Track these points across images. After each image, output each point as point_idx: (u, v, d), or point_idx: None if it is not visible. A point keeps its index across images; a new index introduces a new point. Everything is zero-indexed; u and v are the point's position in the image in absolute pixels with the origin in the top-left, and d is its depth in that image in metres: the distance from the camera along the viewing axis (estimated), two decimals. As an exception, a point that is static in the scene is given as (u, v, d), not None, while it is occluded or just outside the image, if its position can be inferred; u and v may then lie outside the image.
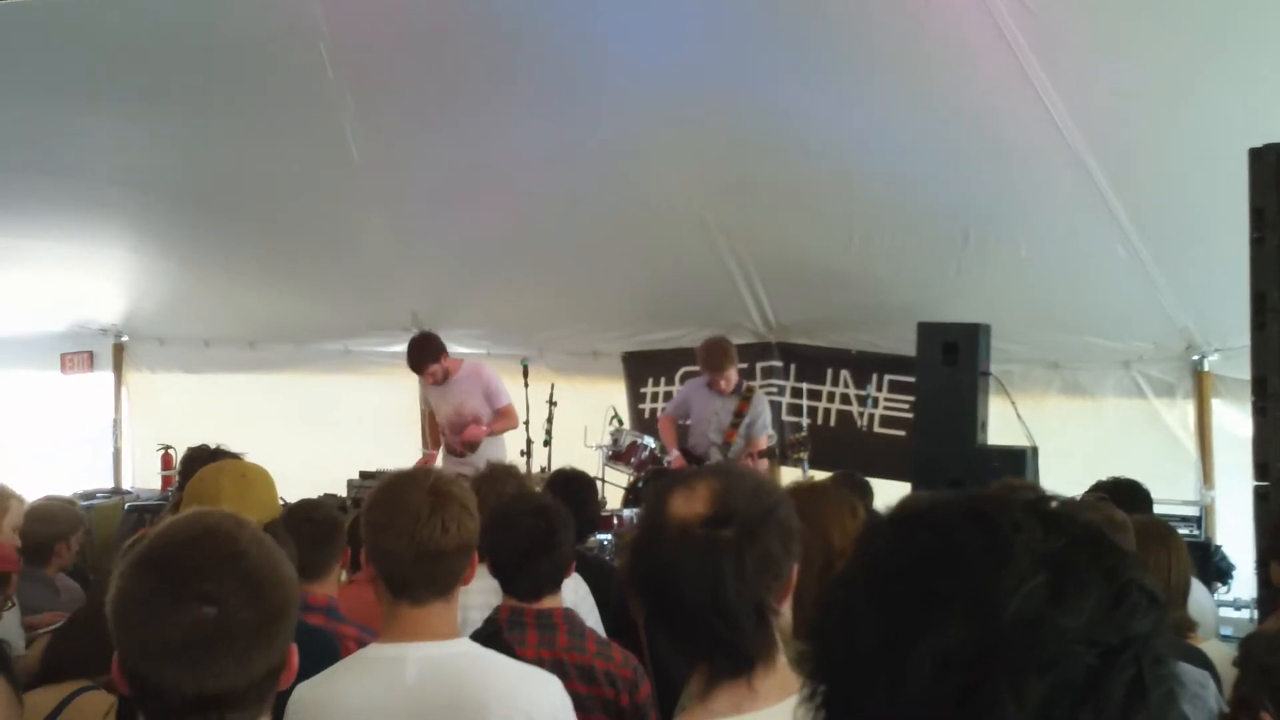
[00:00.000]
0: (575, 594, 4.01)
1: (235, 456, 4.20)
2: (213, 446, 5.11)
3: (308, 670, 2.56)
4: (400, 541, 2.49)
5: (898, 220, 7.54)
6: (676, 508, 1.89)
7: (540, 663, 3.02)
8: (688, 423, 8.16)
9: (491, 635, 3.07)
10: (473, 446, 7.87)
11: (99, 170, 8.35)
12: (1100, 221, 6.82)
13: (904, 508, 1.09)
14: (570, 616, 3.27)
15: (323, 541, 3.80)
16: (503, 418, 8.09)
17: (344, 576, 4.27)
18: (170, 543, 1.74)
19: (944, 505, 1.05)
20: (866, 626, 0.99)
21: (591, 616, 3.97)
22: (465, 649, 2.57)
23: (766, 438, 7.92)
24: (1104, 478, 5.12)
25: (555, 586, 3.30)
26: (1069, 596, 0.94)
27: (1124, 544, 1.02)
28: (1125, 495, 4.69)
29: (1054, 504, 1.04)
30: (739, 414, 7.83)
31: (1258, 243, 5.07)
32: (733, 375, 7.88)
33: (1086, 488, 5.01)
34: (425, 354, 8.00)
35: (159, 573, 1.69)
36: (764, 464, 7.64)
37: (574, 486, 5.20)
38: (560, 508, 3.42)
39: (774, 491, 2.01)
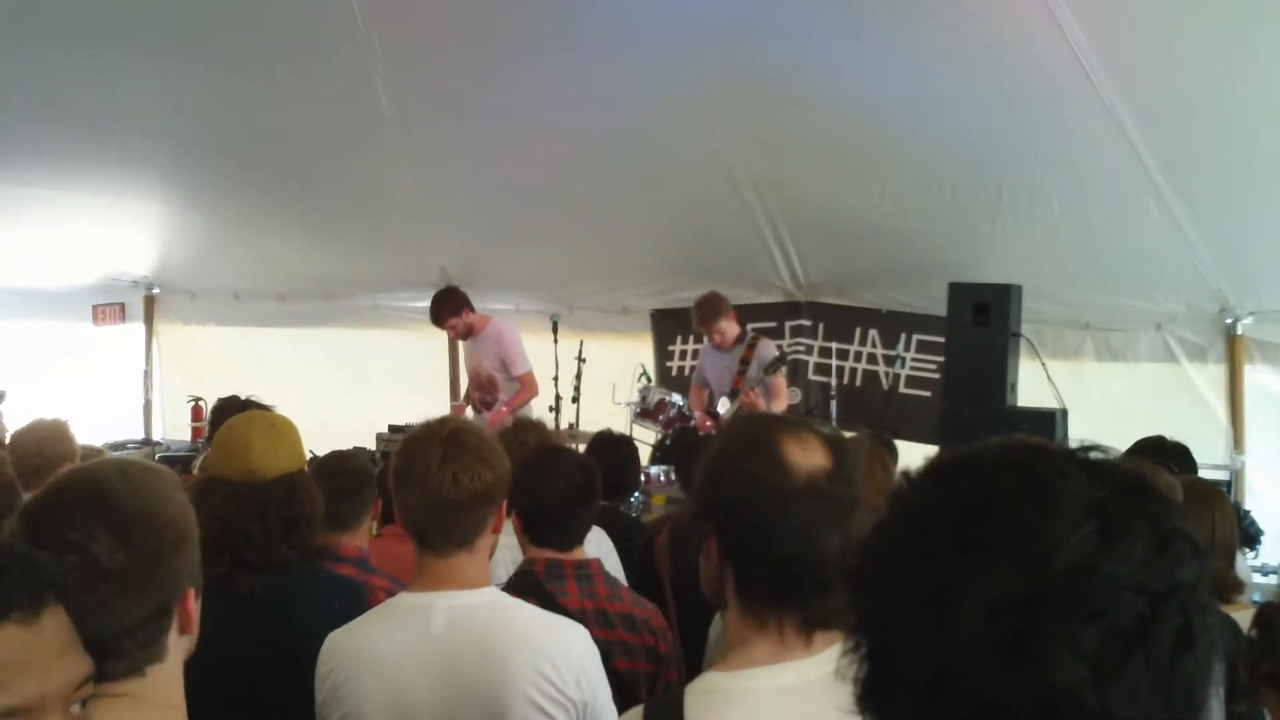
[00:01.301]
0: (599, 549, 4.02)
1: (266, 408, 4.21)
2: (243, 398, 5.13)
3: (338, 619, 2.60)
4: (413, 492, 2.52)
5: (930, 177, 7.46)
6: (796, 457, 1.85)
7: (584, 613, 3.05)
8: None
9: (531, 586, 3.08)
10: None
11: (131, 123, 8.37)
12: (1135, 181, 6.74)
13: (942, 458, 1.09)
14: (602, 567, 3.30)
15: (353, 492, 3.81)
16: (522, 389, 8.14)
17: (374, 529, 4.29)
18: (47, 492, 1.78)
19: (984, 455, 1.05)
20: (910, 578, 0.99)
21: (616, 572, 3.99)
22: (492, 598, 2.59)
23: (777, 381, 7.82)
24: (1141, 439, 5.04)
25: (584, 537, 3.32)
26: (1117, 544, 0.93)
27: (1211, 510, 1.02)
28: (1169, 456, 4.63)
29: (1095, 453, 1.03)
30: (744, 361, 7.81)
31: (1296, 204, 5.01)
32: (725, 327, 7.85)
33: (1118, 450, 4.96)
34: (444, 308, 8.21)
35: (30, 521, 1.73)
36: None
37: (616, 449, 5.32)
38: (592, 460, 3.44)
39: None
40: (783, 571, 1.84)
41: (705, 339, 8.14)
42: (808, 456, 1.85)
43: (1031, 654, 0.91)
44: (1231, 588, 3.70)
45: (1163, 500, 0.99)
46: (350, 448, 7.36)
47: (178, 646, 1.82)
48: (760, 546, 1.85)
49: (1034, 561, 0.93)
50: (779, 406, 7.45)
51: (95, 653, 1.65)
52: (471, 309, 8.23)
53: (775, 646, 1.84)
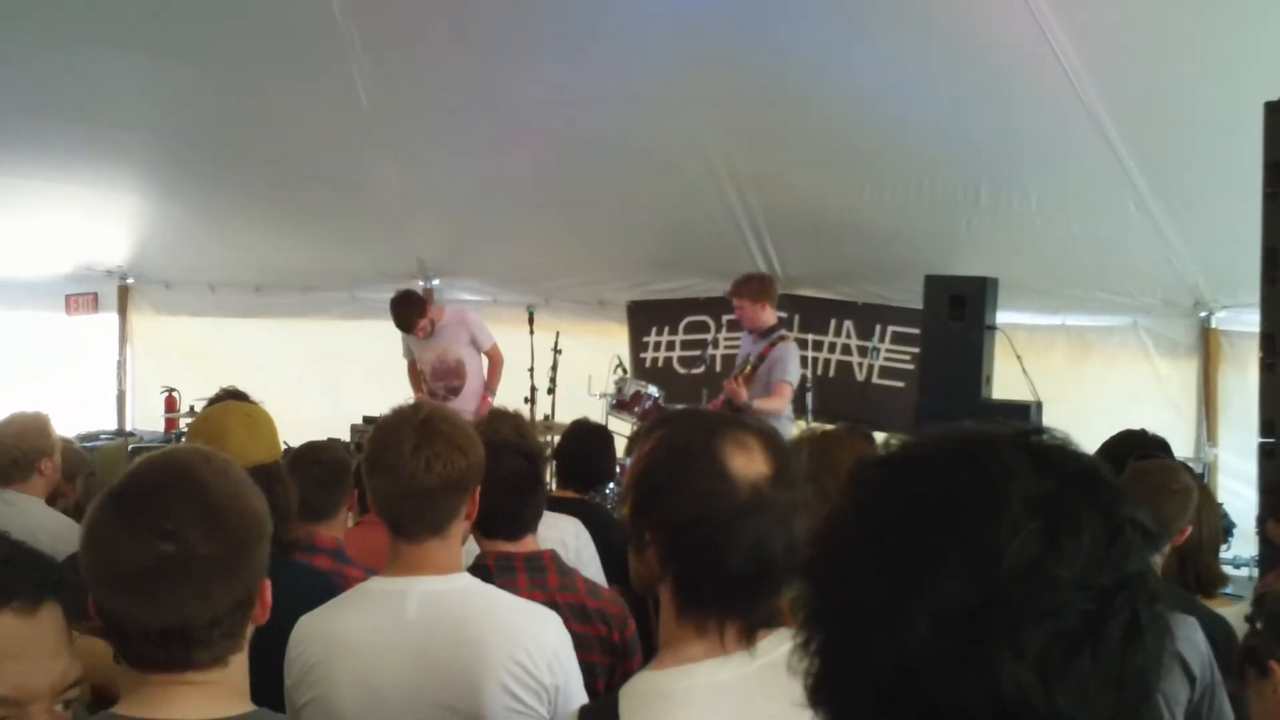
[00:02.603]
0: (577, 540, 4.01)
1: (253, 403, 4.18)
2: (231, 390, 5.09)
3: (308, 609, 2.58)
4: (386, 479, 2.50)
5: (909, 172, 7.49)
6: (740, 466, 1.81)
7: None
8: None
9: (482, 580, 3.06)
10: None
11: (107, 113, 8.30)
12: (1112, 176, 6.78)
13: (894, 450, 1.08)
14: (556, 558, 3.25)
15: (329, 483, 3.79)
16: (492, 364, 8.30)
17: (351, 519, 4.27)
18: (134, 477, 1.75)
19: (935, 449, 1.04)
20: (864, 579, 0.99)
21: (594, 564, 3.97)
22: (466, 584, 2.58)
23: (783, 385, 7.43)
24: (1121, 431, 5.00)
25: (535, 526, 3.26)
26: (1063, 540, 0.93)
27: (1176, 504, 1.02)
28: (1149, 449, 4.61)
29: (1044, 438, 1.02)
30: (761, 357, 7.53)
31: (1271, 198, 5.05)
32: (749, 309, 7.57)
33: (1091, 442, 4.96)
34: (413, 311, 8.14)
35: (119, 506, 1.70)
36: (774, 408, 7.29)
37: (592, 438, 5.24)
38: (535, 443, 3.38)
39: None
40: (729, 585, 1.81)
41: None
42: (750, 464, 1.82)
43: (979, 658, 0.91)
44: (1216, 580, 3.71)
45: (1112, 489, 0.99)
46: (327, 438, 7.41)
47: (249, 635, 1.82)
48: (707, 563, 1.81)
49: (982, 566, 0.93)
50: (770, 409, 7.15)
51: (184, 641, 1.66)
52: (431, 304, 8.27)
53: (712, 644, 1.82)
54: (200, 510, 1.69)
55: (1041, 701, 0.91)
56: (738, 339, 8.91)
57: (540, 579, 3.14)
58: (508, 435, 3.23)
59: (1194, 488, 3.58)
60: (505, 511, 3.17)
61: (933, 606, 0.93)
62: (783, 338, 7.56)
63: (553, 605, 3.07)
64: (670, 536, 1.85)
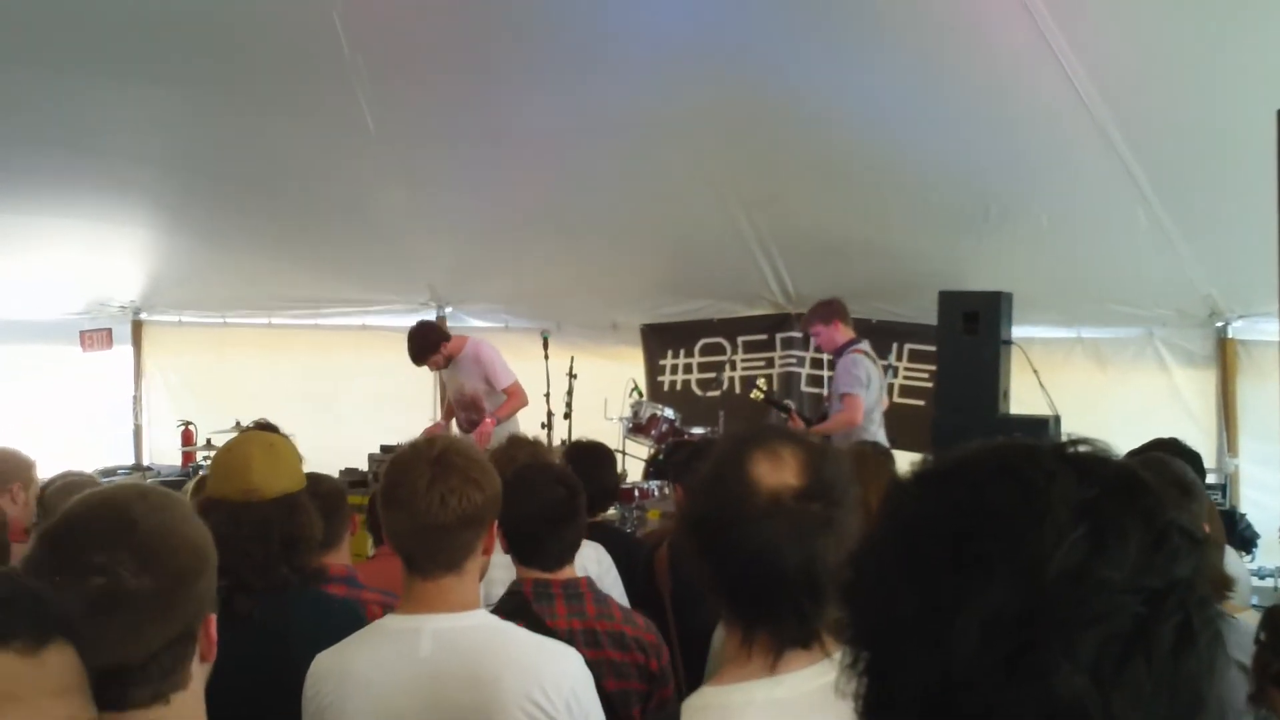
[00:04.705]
0: (599, 565, 4.00)
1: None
2: (263, 422, 5.11)
3: (336, 639, 2.57)
4: (400, 514, 2.46)
5: (918, 190, 7.49)
6: (764, 476, 1.82)
7: (572, 633, 3.01)
8: None
9: (519, 608, 3.04)
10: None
11: (117, 147, 8.34)
12: (1122, 189, 6.77)
13: (929, 465, 1.07)
14: (592, 585, 3.25)
15: (333, 512, 3.80)
16: (509, 399, 8.03)
17: (370, 548, 4.26)
18: (68, 515, 1.74)
19: (972, 461, 1.03)
20: (906, 592, 0.98)
21: (616, 588, 3.96)
22: (481, 621, 2.54)
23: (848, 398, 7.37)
24: (1153, 439, 4.95)
25: (573, 555, 3.27)
26: (1110, 545, 0.92)
27: (1199, 502, 1.01)
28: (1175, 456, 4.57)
29: (1082, 449, 1.01)
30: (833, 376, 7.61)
31: (1284, 206, 5.01)
32: (825, 333, 7.59)
33: (1107, 444, 4.90)
34: (425, 347, 8.05)
35: (52, 544, 1.70)
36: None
37: (592, 457, 5.19)
38: (574, 475, 3.39)
39: (847, 461, 1.94)
40: (741, 590, 1.83)
41: None
42: (775, 473, 1.82)
43: (1031, 667, 0.90)
44: (1222, 584, 3.66)
45: (1154, 495, 0.98)
46: (338, 470, 7.42)
47: (199, 673, 1.80)
48: (719, 564, 1.84)
49: (1028, 572, 0.91)
50: (834, 427, 7.14)
51: (119, 679, 1.65)
52: (446, 338, 8.19)
53: (768, 659, 1.82)
54: (130, 546, 1.67)
55: (1098, 709, 0.89)
56: (755, 360, 8.93)
57: (578, 606, 3.13)
58: (543, 463, 3.25)
59: (1192, 477, 3.52)
60: (543, 540, 3.18)
61: (981, 615, 0.91)
62: (850, 352, 7.52)
63: (591, 633, 3.06)
64: (695, 536, 1.88)
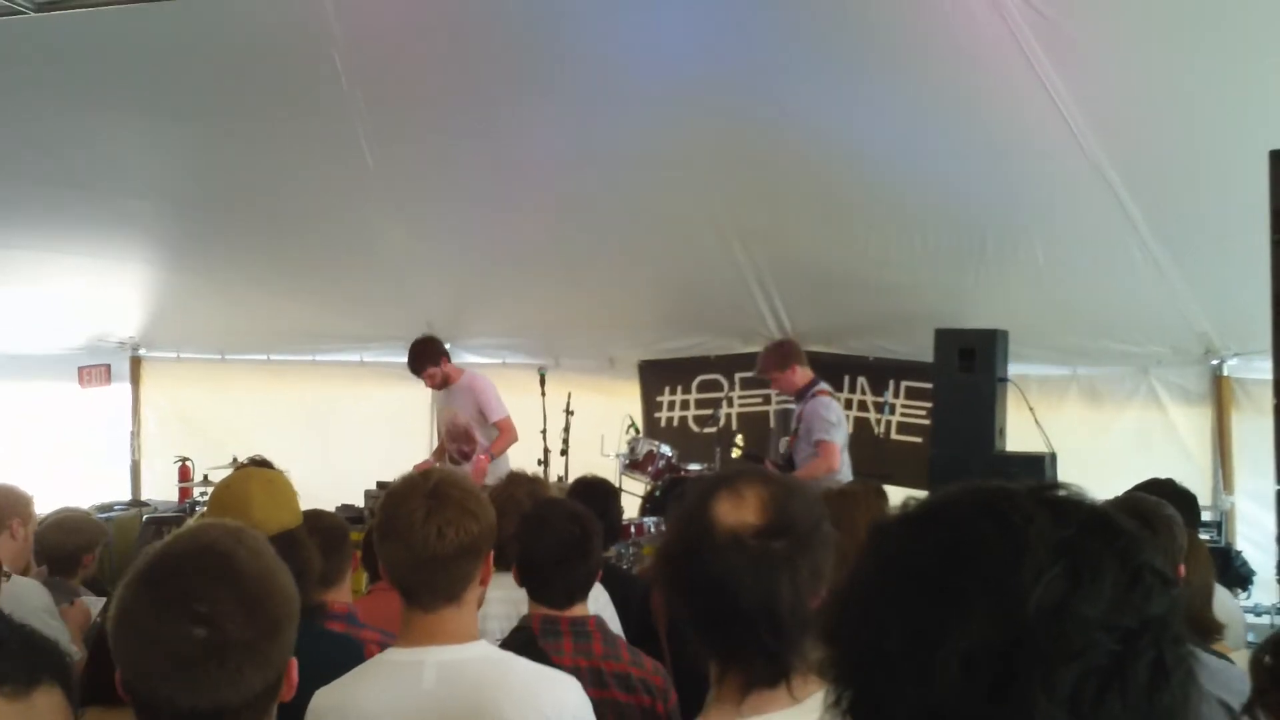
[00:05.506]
0: (595, 602, 3.99)
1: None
2: (259, 459, 5.11)
3: (334, 676, 2.57)
4: (397, 547, 2.47)
5: (916, 227, 7.52)
6: (725, 515, 1.85)
7: (578, 671, 3.00)
8: None
9: (526, 644, 3.04)
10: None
11: (115, 183, 8.38)
12: (1117, 226, 6.80)
13: (914, 507, 1.10)
14: (602, 624, 3.24)
15: (334, 550, 3.80)
16: (501, 434, 8.04)
17: (365, 585, 4.25)
18: (166, 559, 1.74)
19: (952, 501, 1.06)
20: (888, 628, 1.00)
21: (613, 625, 3.96)
22: (483, 652, 2.55)
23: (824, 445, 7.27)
24: (1148, 480, 4.96)
25: (585, 594, 3.27)
26: (1086, 583, 0.95)
27: (1173, 541, 1.04)
28: (1173, 502, 4.58)
29: (1058, 491, 1.04)
30: (799, 419, 7.52)
31: (1277, 245, 5.05)
32: (781, 379, 7.56)
33: (1108, 492, 4.92)
34: (423, 357, 8.13)
35: (153, 591, 1.69)
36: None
37: (597, 493, 5.18)
38: (591, 513, 3.40)
39: (819, 501, 1.97)
40: (701, 625, 1.87)
41: None
42: (736, 511, 1.85)
43: (1011, 699, 0.92)
44: (1212, 629, 3.64)
45: (1129, 535, 1.00)
46: (336, 506, 7.41)
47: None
48: (684, 600, 1.88)
49: (1007, 607, 0.94)
50: (814, 472, 6.99)
51: None
52: (448, 359, 8.24)
53: (760, 699, 1.84)
54: (235, 594, 1.68)
55: None
56: (752, 396, 8.93)
57: (585, 645, 3.13)
58: (545, 499, 3.25)
59: (1180, 521, 3.52)
60: (554, 577, 3.18)
61: (963, 649, 0.94)
62: (815, 394, 7.48)
63: (597, 673, 3.05)
64: (662, 570, 1.95)
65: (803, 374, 7.55)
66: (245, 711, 1.69)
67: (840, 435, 7.37)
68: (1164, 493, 4.42)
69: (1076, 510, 1.01)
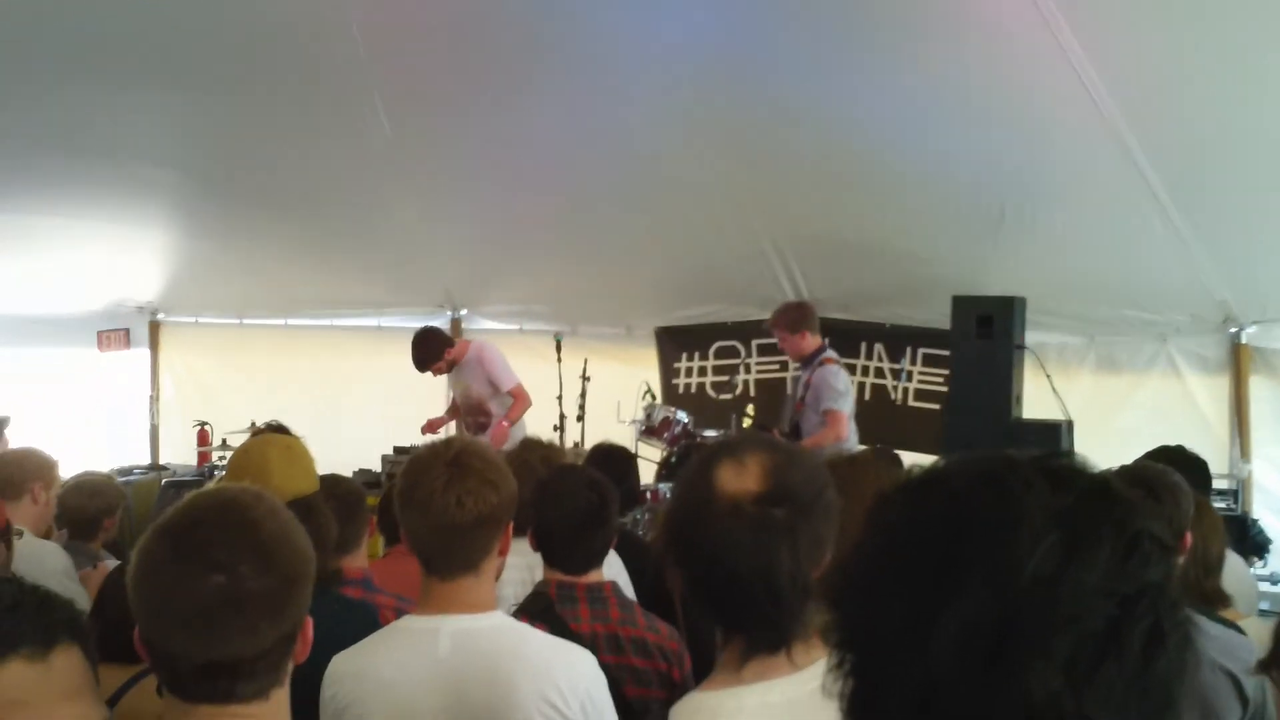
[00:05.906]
0: (609, 569, 4.02)
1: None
2: (275, 424, 5.14)
3: (351, 641, 2.59)
4: (417, 515, 2.49)
5: (933, 195, 7.48)
6: (726, 482, 1.85)
7: (595, 637, 3.03)
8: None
9: (543, 610, 3.06)
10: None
11: (135, 150, 8.38)
12: (1136, 194, 6.75)
13: (913, 476, 1.11)
14: (617, 590, 3.27)
15: (350, 516, 3.82)
16: (516, 401, 8.05)
17: (381, 549, 4.28)
18: (186, 513, 1.77)
19: (954, 471, 1.07)
20: (889, 597, 1.02)
21: (627, 590, 3.98)
22: (499, 622, 2.57)
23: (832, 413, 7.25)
24: (1158, 447, 4.94)
25: (601, 560, 3.30)
26: (1083, 550, 0.96)
27: (1178, 509, 1.05)
28: (1183, 468, 4.55)
29: (1060, 460, 1.05)
30: (806, 386, 7.49)
31: (1298, 213, 5.01)
32: (789, 340, 7.54)
33: (1123, 460, 4.90)
34: (427, 355, 8.08)
35: (171, 541, 1.72)
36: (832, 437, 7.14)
37: (614, 460, 5.20)
38: (608, 481, 3.41)
39: (822, 469, 1.97)
40: (703, 592, 1.87)
41: None
42: (737, 479, 1.85)
43: (1008, 666, 0.93)
44: (1219, 600, 3.61)
45: (1127, 503, 1.01)
46: (353, 471, 7.44)
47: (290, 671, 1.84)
48: (685, 567, 1.88)
49: (1004, 576, 0.95)
50: (822, 441, 7.00)
51: (230, 673, 1.69)
52: (450, 344, 8.22)
53: (763, 665, 1.85)
54: (252, 546, 1.71)
55: (1071, 707, 0.93)
56: (769, 363, 8.93)
57: (602, 611, 3.15)
58: (561, 466, 3.26)
59: (1184, 488, 3.49)
60: (572, 544, 3.21)
61: (960, 616, 0.95)
62: (822, 363, 7.47)
63: (614, 638, 3.07)
64: (664, 536, 1.94)
65: (812, 340, 7.56)
66: (260, 663, 1.71)
67: (848, 404, 7.38)
68: (1173, 460, 4.39)
69: (1076, 479, 1.02)
